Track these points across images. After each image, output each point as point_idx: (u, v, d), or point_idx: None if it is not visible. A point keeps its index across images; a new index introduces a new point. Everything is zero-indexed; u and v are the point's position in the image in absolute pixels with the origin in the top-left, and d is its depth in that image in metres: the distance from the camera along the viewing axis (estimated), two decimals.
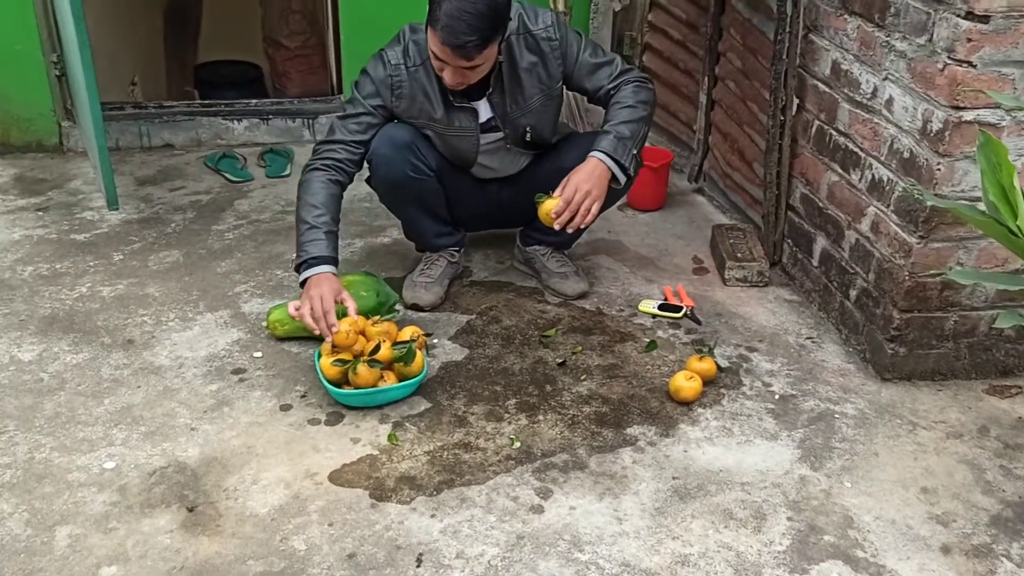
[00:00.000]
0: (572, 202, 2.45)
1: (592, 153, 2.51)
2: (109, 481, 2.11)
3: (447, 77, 2.42)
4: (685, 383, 2.35)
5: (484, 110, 2.61)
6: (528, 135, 2.67)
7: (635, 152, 2.55)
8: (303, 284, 2.44)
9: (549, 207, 2.47)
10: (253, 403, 2.37)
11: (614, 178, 2.51)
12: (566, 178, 2.49)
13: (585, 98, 2.75)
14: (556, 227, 2.48)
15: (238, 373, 2.49)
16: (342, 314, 2.43)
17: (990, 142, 1.82)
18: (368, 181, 2.76)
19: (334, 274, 2.44)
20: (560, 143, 2.78)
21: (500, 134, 2.66)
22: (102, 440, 2.23)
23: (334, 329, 2.35)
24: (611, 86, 2.60)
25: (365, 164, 2.64)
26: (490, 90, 2.57)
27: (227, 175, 3.65)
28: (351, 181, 2.61)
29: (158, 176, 3.68)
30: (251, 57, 7.25)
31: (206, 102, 4.05)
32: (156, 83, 5.87)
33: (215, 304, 2.80)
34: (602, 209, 2.72)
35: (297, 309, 2.39)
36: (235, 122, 3.95)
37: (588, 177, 2.47)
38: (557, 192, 2.49)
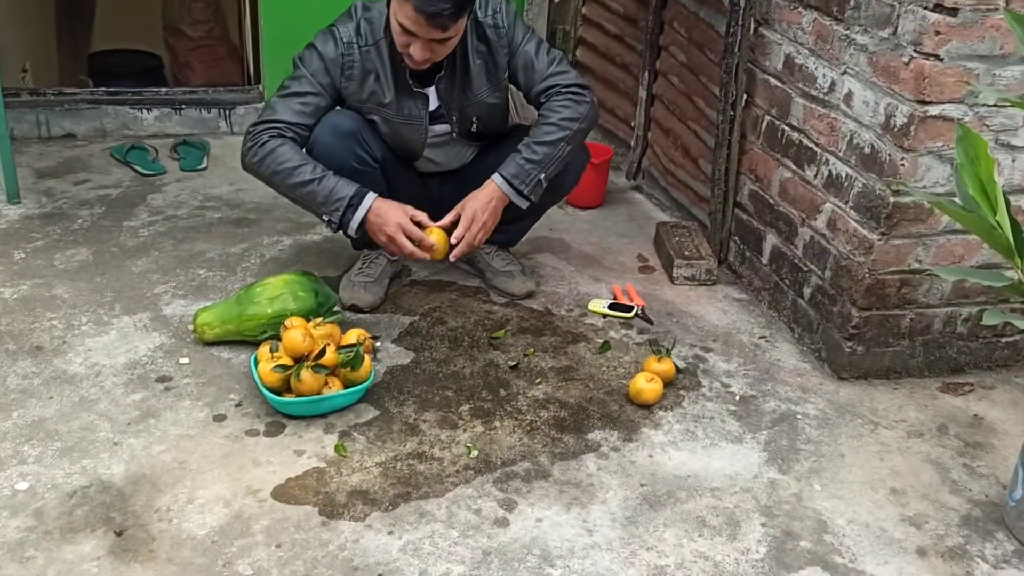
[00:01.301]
0: (467, 235, 2.41)
1: (493, 177, 2.43)
2: (23, 504, 1.88)
3: (416, 52, 2.27)
4: (646, 385, 2.26)
5: (432, 99, 2.47)
6: (475, 126, 2.54)
7: (542, 177, 2.44)
8: (359, 228, 2.35)
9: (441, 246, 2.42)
10: (183, 414, 2.17)
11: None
12: (461, 206, 2.42)
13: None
14: (452, 259, 2.46)
15: (163, 381, 2.28)
16: (281, 318, 2.26)
17: (968, 136, 1.78)
18: None
19: (379, 197, 2.36)
20: (504, 138, 2.66)
21: (447, 126, 2.52)
22: (12, 458, 2.00)
23: (434, 248, 2.35)
24: (543, 87, 2.48)
25: None
26: (441, 74, 2.43)
27: (137, 168, 3.40)
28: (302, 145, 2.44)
29: (60, 168, 3.40)
30: (149, 46, 6.89)
31: (112, 89, 3.78)
32: (48, 71, 5.51)
33: (132, 306, 2.58)
34: (542, 209, 2.69)
35: (388, 249, 2.38)
36: (144, 111, 3.70)
37: (484, 208, 2.42)
38: (449, 218, 2.42)
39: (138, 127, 3.71)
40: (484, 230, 2.43)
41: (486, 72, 2.47)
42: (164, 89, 3.92)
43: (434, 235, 2.39)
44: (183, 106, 3.73)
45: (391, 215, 2.34)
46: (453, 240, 2.42)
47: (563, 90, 2.46)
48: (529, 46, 2.48)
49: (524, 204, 2.46)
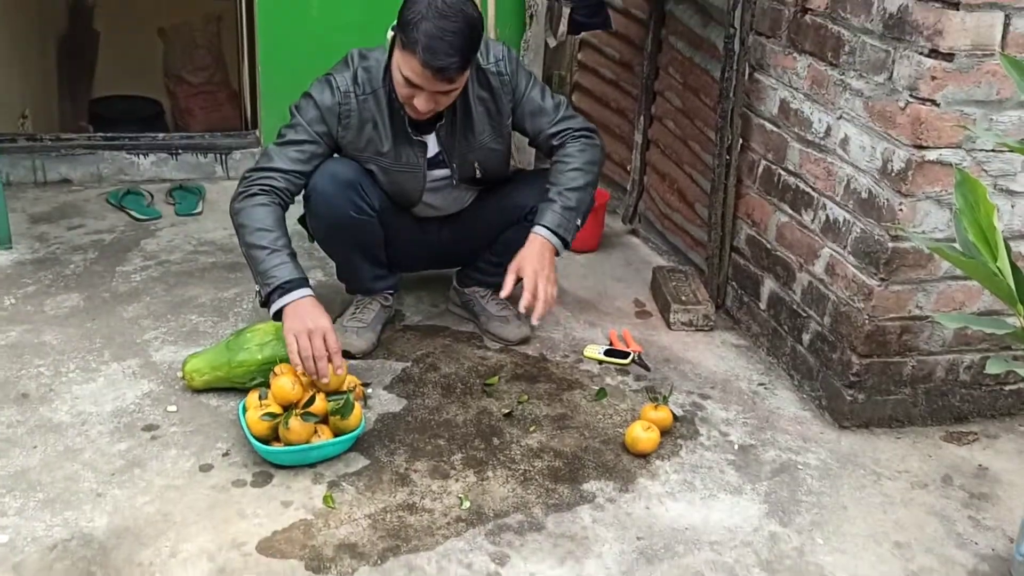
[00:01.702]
0: (538, 292, 2.33)
1: (536, 231, 2.39)
2: (2, 558, 1.83)
3: (420, 104, 2.25)
4: (643, 434, 2.21)
5: (432, 145, 2.46)
6: (477, 172, 2.52)
7: (579, 223, 2.45)
8: (277, 315, 2.21)
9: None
10: (168, 463, 2.13)
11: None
12: (518, 268, 2.36)
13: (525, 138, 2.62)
14: (535, 322, 2.41)
15: (150, 430, 2.24)
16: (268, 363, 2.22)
17: (967, 180, 1.75)
18: (301, 220, 2.57)
19: (314, 297, 2.23)
20: (511, 178, 2.64)
21: (447, 171, 2.50)
22: None
23: (324, 380, 2.15)
24: (553, 131, 2.48)
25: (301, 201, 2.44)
26: (441, 122, 2.42)
27: (132, 212, 3.39)
28: (289, 203, 2.40)
29: (54, 213, 3.38)
30: (150, 92, 6.94)
31: (108, 135, 3.77)
32: (48, 117, 5.54)
33: (122, 353, 2.54)
34: None
35: (288, 344, 2.17)
36: (140, 157, 3.69)
37: (541, 262, 2.37)
38: (510, 282, 2.36)
39: (135, 172, 3.70)
40: (552, 283, 2.37)
41: (488, 118, 2.46)
42: (161, 135, 3.91)
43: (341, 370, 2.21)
44: (180, 151, 3.72)
45: (320, 317, 2.18)
46: (523, 308, 2.35)
47: (576, 134, 2.47)
48: (534, 92, 2.47)
49: (562, 251, 2.44)
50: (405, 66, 2.21)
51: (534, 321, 2.40)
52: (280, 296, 2.20)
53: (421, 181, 2.49)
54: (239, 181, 2.41)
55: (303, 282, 2.24)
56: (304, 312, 2.18)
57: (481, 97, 2.43)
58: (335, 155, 2.47)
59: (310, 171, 2.38)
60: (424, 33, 2.14)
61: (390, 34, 2.31)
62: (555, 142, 2.48)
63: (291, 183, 2.36)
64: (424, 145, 2.44)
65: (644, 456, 2.22)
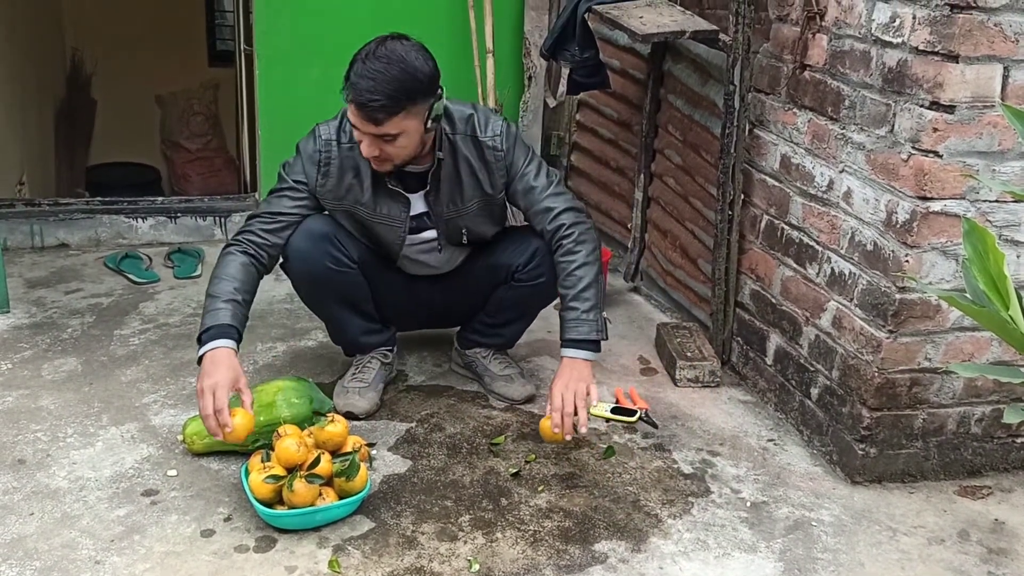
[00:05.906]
0: (564, 411, 2.26)
1: (564, 352, 2.33)
2: None
3: (364, 149, 2.29)
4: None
5: (419, 205, 2.47)
6: (464, 237, 2.53)
7: (604, 315, 2.41)
8: (199, 362, 2.19)
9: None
10: (169, 529, 2.07)
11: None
12: (549, 392, 2.30)
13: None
14: (568, 437, 2.28)
15: (150, 495, 2.19)
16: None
17: (975, 229, 1.74)
18: (292, 282, 2.56)
19: (233, 349, 2.19)
20: (498, 237, 2.63)
21: (434, 232, 2.51)
22: None
23: (227, 429, 2.09)
24: (540, 208, 2.43)
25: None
26: (427, 188, 2.43)
27: (130, 276, 3.37)
28: (270, 260, 2.41)
29: (52, 278, 3.36)
30: (147, 159, 6.99)
31: (107, 199, 3.77)
32: (45, 183, 5.56)
33: (120, 417, 2.50)
34: (536, 311, 2.70)
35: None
36: (139, 220, 3.69)
37: (568, 382, 2.28)
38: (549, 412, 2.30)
39: (133, 236, 3.69)
40: (580, 396, 2.27)
41: (479, 189, 2.45)
42: (160, 198, 3.92)
43: (238, 416, 2.12)
44: (178, 215, 3.72)
45: (217, 373, 2.12)
46: (555, 428, 2.26)
47: (571, 225, 2.40)
48: (529, 168, 2.45)
49: (601, 349, 2.37)
50: (350, 112, 2.25)
51: (580, 430, 2.28)
52: (203, 343, 2.19)
53: (400, 236, 2.49)
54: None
55: (226, 331, 2.20)
56: (206, 367, 2.15)
57: (472, 166, 2.42)
58: (315, 212, 2.48)
59: (291, 222, 2.41)
60: (355, 72, 2.20)
61: None
62: (548, 225, 2.42)
63: (268, 227, 2.39)
64: (406, 200, 2.44)
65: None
